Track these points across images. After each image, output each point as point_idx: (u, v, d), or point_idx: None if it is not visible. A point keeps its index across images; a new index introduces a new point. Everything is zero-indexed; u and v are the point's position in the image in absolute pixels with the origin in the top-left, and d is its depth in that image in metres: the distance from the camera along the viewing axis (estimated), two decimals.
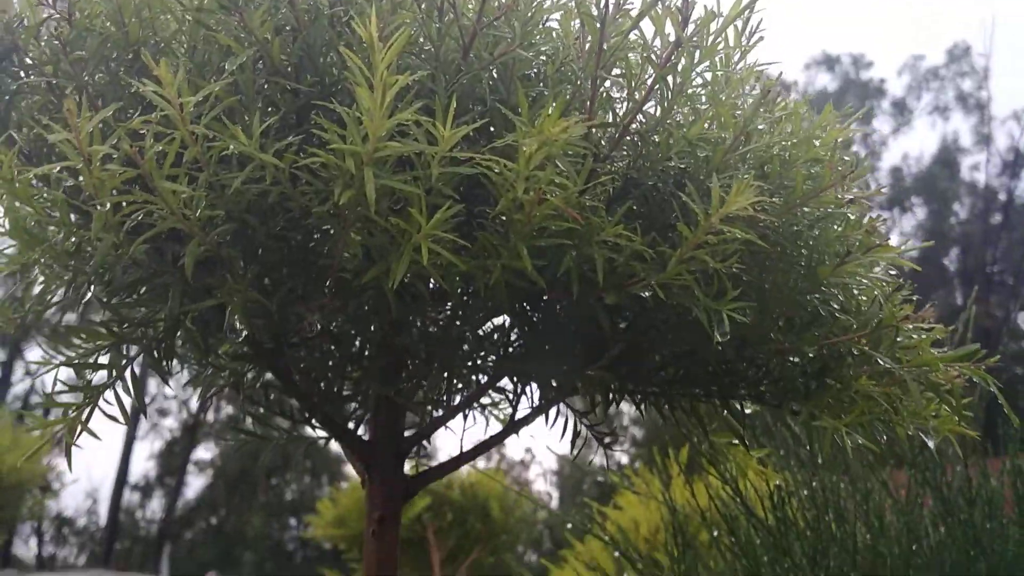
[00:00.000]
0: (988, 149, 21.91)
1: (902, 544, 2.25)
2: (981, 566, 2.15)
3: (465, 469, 5.41)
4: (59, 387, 1.04)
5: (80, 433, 1.02)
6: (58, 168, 0.88)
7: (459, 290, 1.28)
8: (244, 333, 1.31)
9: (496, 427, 1.67)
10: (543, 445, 2.46)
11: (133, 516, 27.33)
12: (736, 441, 1.70)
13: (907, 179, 23.32)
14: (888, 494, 2.34)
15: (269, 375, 1.64)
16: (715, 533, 2.66)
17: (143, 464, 28.77)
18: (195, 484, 28.28)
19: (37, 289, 1.05)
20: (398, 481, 1.51)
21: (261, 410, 1.65)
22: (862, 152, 24.24)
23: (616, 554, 2.54)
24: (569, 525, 3.10)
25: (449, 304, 1.40)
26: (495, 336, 1.45)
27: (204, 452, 28.36)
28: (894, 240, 1.32)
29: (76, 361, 1.03)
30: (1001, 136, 22.76)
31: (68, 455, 0.99)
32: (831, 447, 1.16)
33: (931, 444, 1.21)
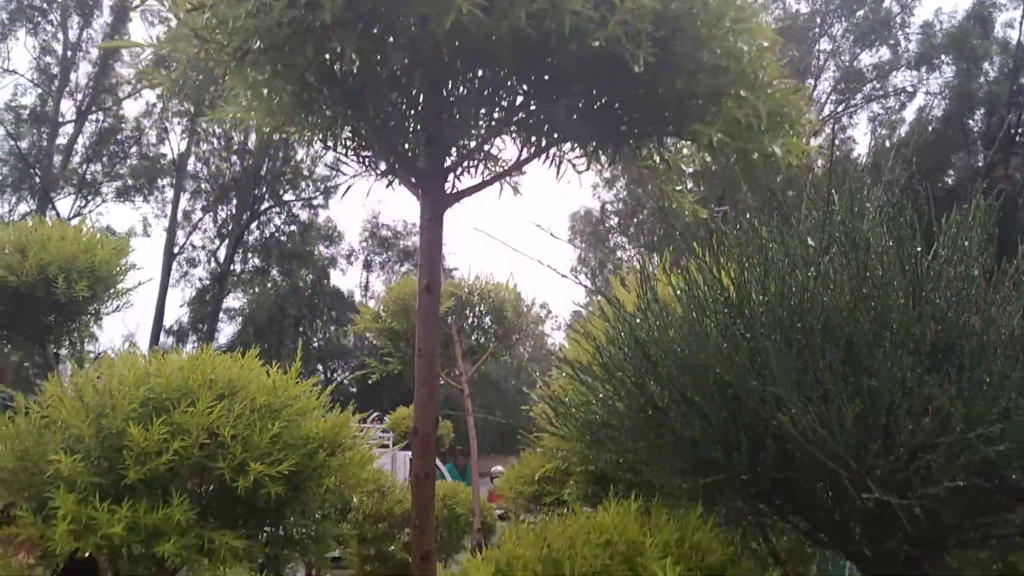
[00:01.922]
0: None
1: (808, 283, 3.01)
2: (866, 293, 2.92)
3: (485, 279, 6.27)
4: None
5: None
6: None
7: (483, 63, 1.97)
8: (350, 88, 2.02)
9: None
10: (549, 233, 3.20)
11: None
12: (679, 188, 2.44)
13: (938, 36, 22.70)
14: (802, 242, 3.07)
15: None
16: (677, 292, 3.46)
17: (176, 311, 30.57)
18: (227, 330, 30.19)
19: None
20: (440, 195, 2.28)
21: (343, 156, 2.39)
22: (895, 8, 23.48)
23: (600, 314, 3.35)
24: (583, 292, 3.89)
25: (479, 72, 2.10)
26: (506, 95, 2.16)
27: (233, 301, 30.05)
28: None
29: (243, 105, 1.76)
30: None
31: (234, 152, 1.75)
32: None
33: (778, 152, 1.93)
